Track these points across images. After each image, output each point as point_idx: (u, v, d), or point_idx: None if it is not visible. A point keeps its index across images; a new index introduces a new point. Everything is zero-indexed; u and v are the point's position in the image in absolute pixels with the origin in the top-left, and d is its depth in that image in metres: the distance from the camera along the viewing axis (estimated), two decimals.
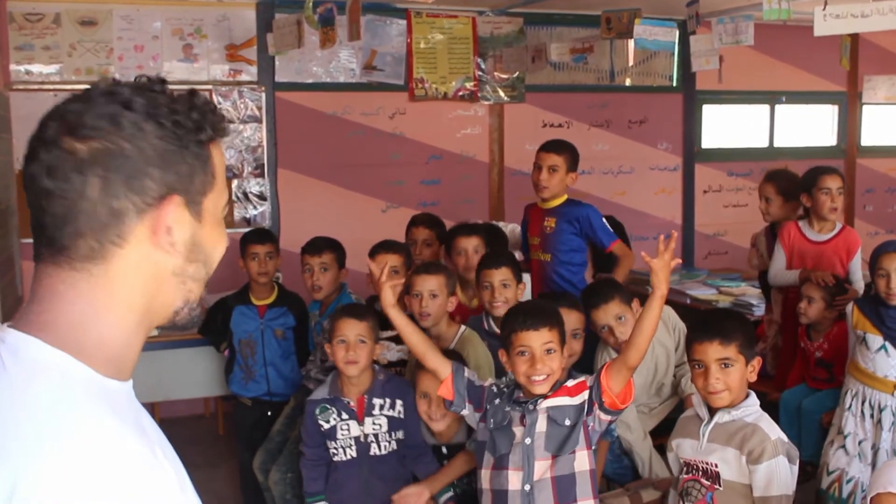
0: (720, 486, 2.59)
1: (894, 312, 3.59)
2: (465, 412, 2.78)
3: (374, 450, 3.07)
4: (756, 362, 2.65)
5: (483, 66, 6.30)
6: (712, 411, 2.63)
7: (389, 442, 3.08)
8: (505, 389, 2.75)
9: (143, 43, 5.50)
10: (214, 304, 4.26)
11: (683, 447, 2.71)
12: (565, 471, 2.59)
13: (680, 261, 2.69)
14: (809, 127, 7.54)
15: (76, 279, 0.98)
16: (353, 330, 3.04)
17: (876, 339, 3.64)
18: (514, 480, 2.61)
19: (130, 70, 5.41)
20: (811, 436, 4.06)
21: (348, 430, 3.07)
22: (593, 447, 2.66)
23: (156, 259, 1.01)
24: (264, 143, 5.79)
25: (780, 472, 2.50)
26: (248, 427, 4.17)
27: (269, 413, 4.10)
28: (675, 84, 6.86)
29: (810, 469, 4.04)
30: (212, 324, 4.21)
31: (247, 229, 4.64)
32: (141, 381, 1.10)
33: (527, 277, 4.50)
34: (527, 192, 4.73)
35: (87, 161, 0.95)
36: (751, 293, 5.34)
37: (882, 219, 7.61)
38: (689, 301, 5.45)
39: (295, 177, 5.91)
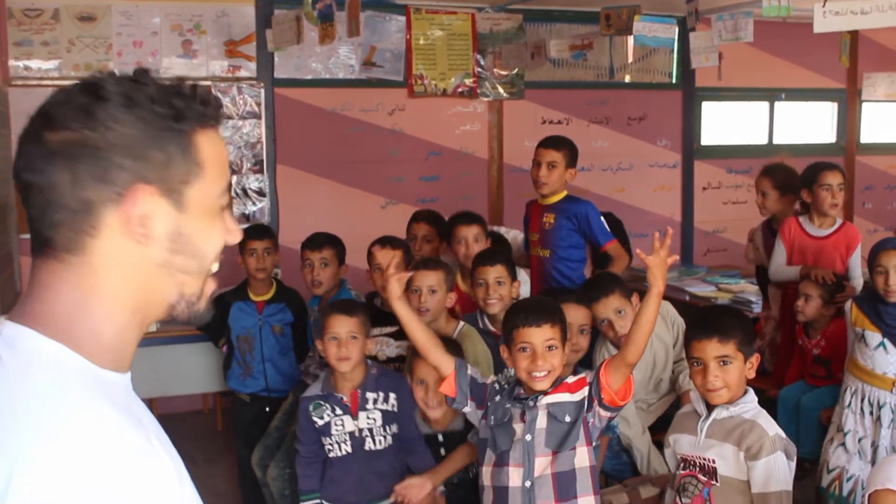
0: (717, 481, 2.59)
1: (893, 309, 3.59)
2: (466, 409, 2.77)
3: (369, 444, 3.07)
4: (754, 359, 2.65)
5: (482, 63, 6.29)
6: (710, 407, 2.64)
7: (385, 436, 3.08)
8: (506, 386, 2.75)
9: (142, 39, 5.50)
10: (212, 299, 4.25)
11: (681, 443, 2.72)
12: (566, 467, 2.59)
13: (677, 258, 2.68)
14: (809, 124, 7.54)
15: (61, 270, 0.99)
16: (344, 326, 3.04)
17: (874, 337, 3.64)
18: (514, 477, 2.61)
19: (129, 66, 5.40)
20: (810, 433, 4.06)
21: (343, 425, 3.07)
22: (594, 443, 2.66)
23: (133, 250, 1.00)
24: (263, 140, 5.79)
25: (778, 468, 2.51)
26: (246, 423, 4.17)
27: (268, 409, 4.10)
28: (674, 81, 6.86)
29: (808, 466, 4.05)
30: (210, 319, 4.21)
31: (245, 226, 4.64)
32: (139, 376, 1.09)
33: (526, 277, 4.52)
34: (526, 189, 4.73)
35: (59, 153, 0.97)
36: (749, 290, 5.34)
37: (881, 216, 7.61)
38: (687, 298, 5.45)
39: (294, 173, 5.91)
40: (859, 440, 3.68)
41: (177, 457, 1.00)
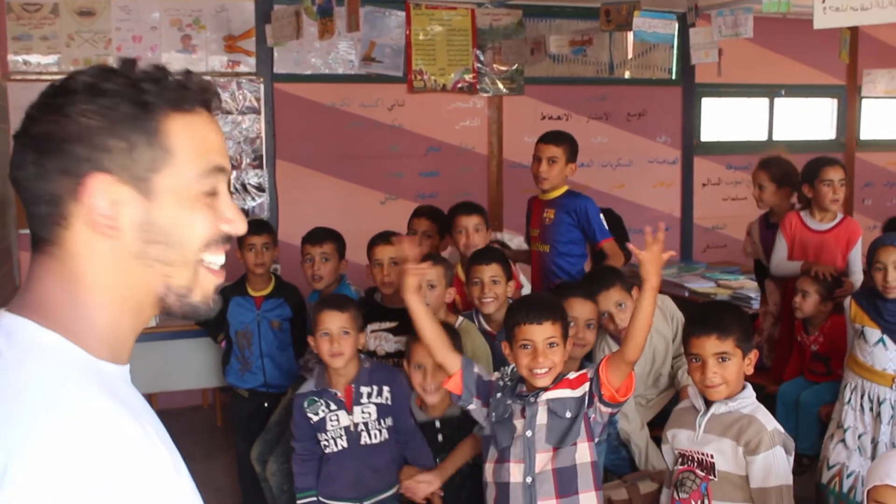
0: (715, 476, 2.59)
1: (892, 306, 3.59)
2: (471, 407, 2.76)
3: (364, 439, 3.07)
4: (753, 355, 2.65)
5: (482, 58, 6.29)
6: (708, 402, 2.64)
7: (380, 430, 3.08)
8: (509, 383, 2.76)
9: (142, 34, 5.49)
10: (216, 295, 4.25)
11: (679, 438, 2.72)
12: (567, 463, 2.58)
13: (673, 253, 2.67)
14: (808, 120, 7.54)
15: (49, 263, 1.01)
16: (335, 322, 3.03)
17: (874, 333, 3.64)
18: (515, 473, 2.61)
19: None
20: (809, 429, 4.07)
21: (337, 420, 3.07)
22: (596, 439, 2.65)
23: (102, 240, 0.99)
24: (262, 135, 5.79)
25: (777, 463, 2.51)
26: (245, 418, 4.17)
27: (266, 404, 4.10)
28: (674, 77, 6.86)
29: (807, 462, 4.05)
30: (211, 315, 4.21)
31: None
32: (138, 371, 1.09)
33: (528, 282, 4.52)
34: (525, 185, 4.72)
35: (29, 147, 0.99)
36: (749, 286, 5.34)
37: (881, 212, 7.59)
38: (687, 294, 5.45)
39: (293, 168, 5.90)
40: (859, 437, 3.68)
41: (174, 449, 1.00)
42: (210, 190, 1.04)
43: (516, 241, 5.07)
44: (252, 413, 4.13)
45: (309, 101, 5.93)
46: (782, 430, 2.59)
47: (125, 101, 0.98)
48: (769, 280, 4.66)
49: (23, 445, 0.86)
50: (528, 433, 2.60)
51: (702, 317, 2.72)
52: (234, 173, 5.72)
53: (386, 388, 3.09)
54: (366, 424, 3.07)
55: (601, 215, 4.19)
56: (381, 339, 3.57)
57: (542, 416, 2.61)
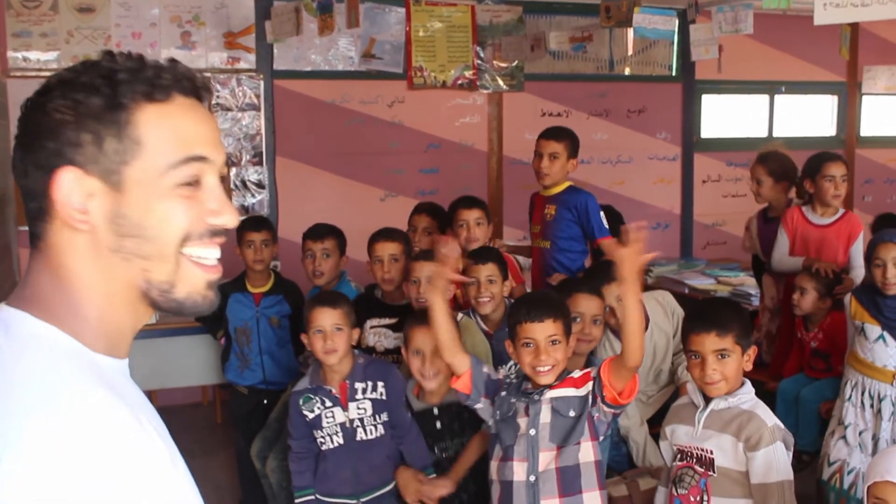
0: (714, 472, 2.59)
1: (891, 302, 3.59)
2: (479, 405, 2.76)
3: (360, 434, 3.07)
4: (752, 352, 2.65)
5: (482, 55, 6.28)
6: (707, 398, 2.64)
7: (375, 426, 3.07)
8: (513, 381, 2.75)
9: (141, 30, 5.48)
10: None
11: (678, 433, 2.72)
12: (570, 462, 2.58)
13: (657, 254, 2.60)
14: (809, 117, 7.53)
15: (39, 256, 1.02)
16: (328, 319, 3.02)
17: (874, 329, 3.63)
18: (519, 471, 2.61)
19: None
20: (809, 425, 4.07)
21: (333, 417, 3.07)
22: (600, 438, 2.64)
23: (76, 234, 0.99)
24: (262, 131, 5.78)
25: (777, 459, 2.51)
26: (244, 415, 4.17)
27: (265, 401, 4.10)
28: (674, 73, 6.85)
29: (807, 458, 4.05)
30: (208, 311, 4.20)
31: (244, 217, 4.63)
32: (138, 368, 1.09)
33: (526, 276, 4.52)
34: (525, 181, 4.72)
35: (17, 145, 1.01)
36: (749, 283, 5.34)
37: (881, 209, 7.55)
38: (686, 290, 5.46)
39: (293, 165, 5.90)
40: (860, 433, 3.68)
41: (172, 444, 1.00)
42: (187, 180, 1.01)
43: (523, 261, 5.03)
44: (251, 410, 4.13)
45: (309, 98, 5.92)
46: (782, 425, 2.59)
47: (95, 94, 0.98)
48: (766, 275, 4.66)
49: (20, 438, 0.86)
50: (532, 432, 2.60)
51: (701, 313, 2.71)
52: (234, 170, 5.72)
53: (381, 384, 3.08)
54: (361, 420, 3.07)
55: (601, 213, 4.19)
56: (381, 336, 3.57)
57: (545, 415, 2.60)
